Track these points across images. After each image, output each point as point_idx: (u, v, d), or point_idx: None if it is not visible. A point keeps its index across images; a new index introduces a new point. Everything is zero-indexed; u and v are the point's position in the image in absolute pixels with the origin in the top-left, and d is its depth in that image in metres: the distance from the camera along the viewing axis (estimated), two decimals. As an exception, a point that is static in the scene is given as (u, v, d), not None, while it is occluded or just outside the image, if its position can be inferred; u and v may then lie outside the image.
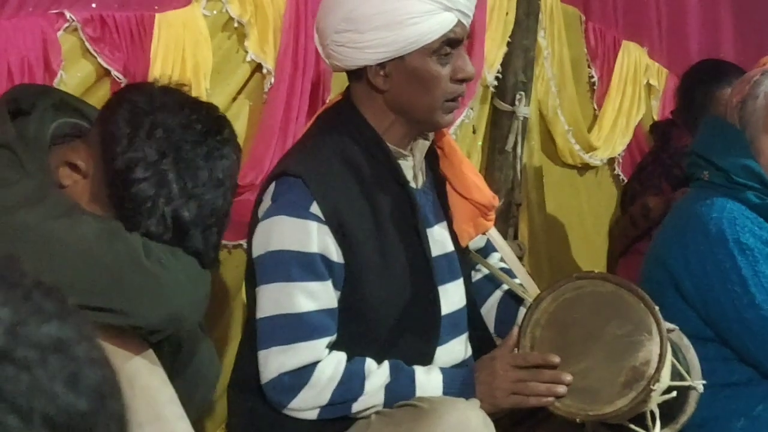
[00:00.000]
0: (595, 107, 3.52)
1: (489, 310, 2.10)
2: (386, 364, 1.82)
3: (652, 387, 1.76)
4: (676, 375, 1.86)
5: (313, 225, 1.77)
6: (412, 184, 1.91)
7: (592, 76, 3.47)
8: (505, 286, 2.10)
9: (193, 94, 1.89)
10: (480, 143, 3.01)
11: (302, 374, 1.77)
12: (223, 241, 2.21)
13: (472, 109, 2.89)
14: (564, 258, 3.43)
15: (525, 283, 2.09)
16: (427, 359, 1.87)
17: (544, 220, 3.35)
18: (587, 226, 3.55)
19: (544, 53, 3.15)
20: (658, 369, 1.77)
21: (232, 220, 2.17)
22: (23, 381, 0.60)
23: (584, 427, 1.85)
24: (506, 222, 2.98)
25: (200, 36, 2.06)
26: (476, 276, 2.13)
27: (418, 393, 1.79)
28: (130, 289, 1.41)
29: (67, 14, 1.83)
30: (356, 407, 1.79)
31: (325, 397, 1.78)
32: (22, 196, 1.41)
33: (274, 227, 1.78)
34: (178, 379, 1.55)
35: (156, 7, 1.99)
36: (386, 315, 1.84)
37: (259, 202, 1.85)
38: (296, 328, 1.76)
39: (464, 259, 2.01)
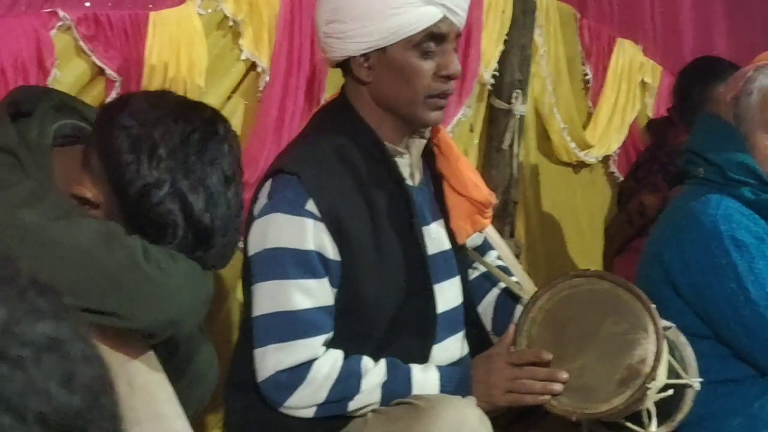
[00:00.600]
0: (590, 105, 3.52)
1: (486, 307, 2.10)
2: (383, 362, 1.81)
3: (648, 385, 1.76)
4: (672, 373, 1.86)
5: (309, 222, 1.76)
6: (409, 182, 1.91)
7: (587, 74, 3.47)
8: (502, 284, 2.10)
9: (188, 93, 1.90)
10: (477, 141, 3.01)
11: (299, 372, 1.77)
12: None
13: (469, 107, 2.89)
14: (560, 256, 3.43)
15: (522, 281, 2.09)
16: (423, 357, 1.87)
17: (540, 218, 3.35)
18: (582, 224, 3.55)
19: (540, 51, 3.15)
20: (655, 367, 1.77)
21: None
22: (17, 380, 0.60)
23: (580, 425, 1.85)
24: (503, 220, 2.98)
25: (195, 34, 2.05)
26: (473, 274, 2.13)
27: (415, 391, 1.79)
28: (127, 293, 1.41)
29: (61, 13, 1.82)
30: (353, 405, 1.79)
31: (321, 395, 1.78)
32: (22, 196, 1.40)
33: (270, 225, 1.78)
34: (176, 380, 1.55)
35: (150, 6, 1.99)
36: (382, 313, 1.84)
37: (255, 199, 1.85)
38: (292, 325, 1.76)
39: (461, 257, 2.01)
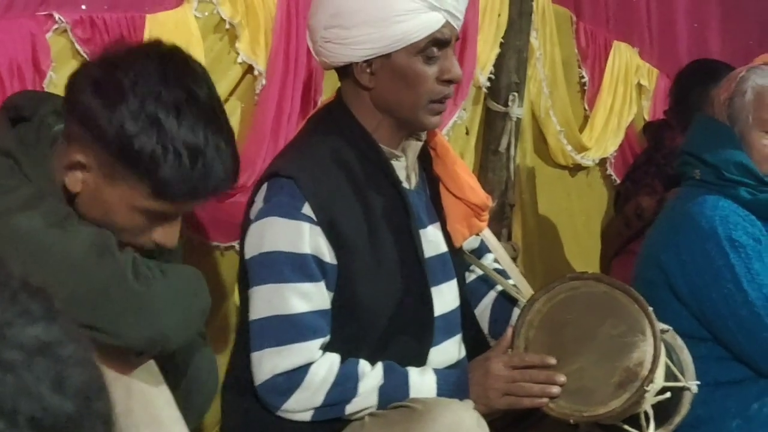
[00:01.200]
0: (586, 108, 3.52)
1: (483, 310, 2.10)
2: (380, 365, 1.81)
3: (645, 388, 1.76)
4: (670, 376, 1.85)
5: (305, 226, 1.76)
6: (405, 185, 1.90)
7: (583, 77, 3.48)
8: (499, 287, 2.10)
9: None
10: (473, 144, 3.01)
11: (295, 376, 1.76)
12: (215, 243, 2.22)
13: (464, 110, 2.89)
14: (557, 258, 3.43)
15: (519, 283, 2.09)
16: (420, 360, 1.87)
17: (537, 221, 3.35)
18: (579, 226, 3.55)
19: (537, 54, 3.15)
20: (652, 370, 1.77)
21: (224, 222, 2.18)
22: (8, 383, 0.60)
23: (578, 428, 1.84)
24: (500, 223, 2.98)
25: (191, 37, 2.05)
26: (470, 277, 2.13)
27: (412, 394, 1.79)
28: (113, 309, 1.40)
29: (56, 16, 1.82)
30: (350, 409, 1.79)
31: (318, 399, 1.77)
32: (18, 202, 1.40)
33: (266, 228, 1.78)
34: (174, 386, 1.54)
35: (146, 9, 1.98)
36: (379, 316, 1.84)
37: (251, 203, 1.85)
38: (289, 329, 1.76)
39: (458, 260, 2.00)
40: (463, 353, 1.99)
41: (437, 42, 1.80)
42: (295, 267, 1.75)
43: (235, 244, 2.19)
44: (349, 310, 1.81)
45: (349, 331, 1.82)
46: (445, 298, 1.93)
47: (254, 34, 2.19)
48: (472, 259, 2.11)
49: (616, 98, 3.56)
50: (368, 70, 1.82)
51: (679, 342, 1.96)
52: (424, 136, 1.95)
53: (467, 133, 2.97)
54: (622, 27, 3.63)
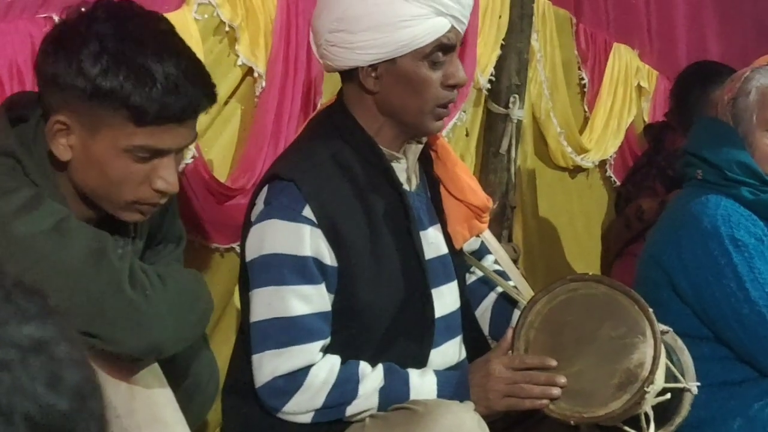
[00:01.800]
0: (586, 110, 3.53)
1: (483, 312, 2.10)
2: (380, 367, 1.81)
3: (646, 389, 1.76)
4: (670, 377, 1.85)
5: (306, 228, 1.76)
6: (406, 187, 1.90)
7: (583, 79, 3.48)
8: (500, 289, 2.10)
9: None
10: (474, 146, 3.01)
11: (296, 378, 1.76)
12: (215, 245, 2.22)
13: (464, 112, 2.89)
14: (558, 260, 3.43)
15: (519, 285, 2.09)
16: (421, 362, 1.87)
17: (537, 223, 3.35)
18: (579, 228, 3.55)
19: (537, 56, 3.15)
20: (652, 371, 1.76)
21: (224, 224, 2.18)
22: (4, 381, 0.60)
23: (578, 429, 1.84)
24: (501, 224, 2.99)
25: (191, 40, 2.04)
26: (470, 278, 2.13)
27: (413, 396, 1.78)
28: (109, 317, 1.41)
29: (56, 18, 1.81)
30: (350, 410, 1.78)
31: (319, 401, 1.77)
32: (16, 205, 1.40)
33: (266, 231, 1.77)
34: (173, 388, 1.55)
35: (146, 11, 1.98)
36: (380, 318, 1.83)
37: (251, 205, 1.85)
38: (290, 331, 1.76)
39: (458, 262, 2.00)
40: (464, 355, 1.99)
41: (443, 47, 1.80)
42: (296, 269, 1.75)
43: (235, 245, 2.19)
44: (350, 312, 1.81)
45: (350, 332, 1.82)
46: (445, 299, 1.93)
47: (254, 36, 2.19)
48: (472, 260, 2.11)
49: (615, 100, 3.57)
50: (373, 75, 1.81)
51: (679, 343, 1.95)
52: (424, 138, 1.94)
53: (467, 135, 2.97)
54: (621, 29, 3.64)
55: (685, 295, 2.20)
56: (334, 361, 1.80)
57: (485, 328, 2.09)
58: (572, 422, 1.78)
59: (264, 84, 2.22)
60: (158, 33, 1.47)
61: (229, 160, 2.25)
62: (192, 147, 2.03)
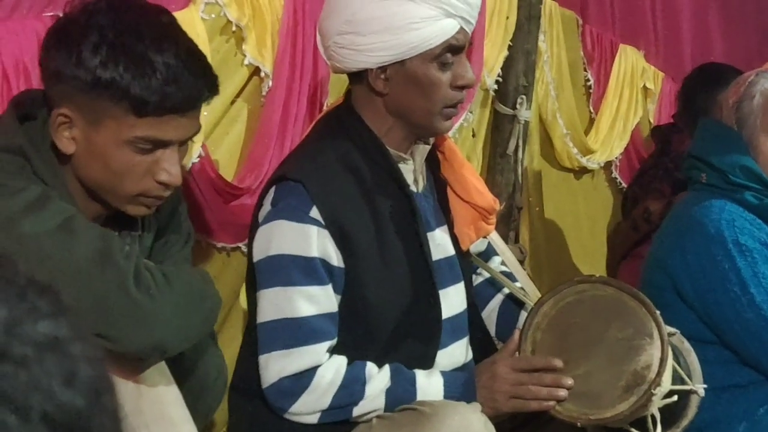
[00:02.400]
0: (591, 111, 3.52)
1: (490, 313, 2.10)
2: (387, 368, 1.81)
3: (653, 391, 1.75)
4: (677, 379, 1.85)
5: (313, 229, 1.76)
6: (413, 188, 1.90)
7: (588, 80, 3.48)
8: (506, 290, 2.10)
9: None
10: (480, 147, 3.01)
11: (303, 379, 1.76)
12: (222, 244, 2.22)
13: (471, 112, 2.89)
14: (564, 261, 3.43)
15: (526, 286, 2.09)
16: (427, 363, 1.86)
17: (543, 224, 3.35)
18: (584, 229, 3.55)
19: (544, 57, 3.14)
20: (659, 373, 1.76)
21: (230, 223, 2.18)
22: (21, 378, 0.61)
23: (585, 431, 1.84)
24: (508, 225, 2.98)
25: (198, 39, 2.03)
26: (477, 280, 2.12)
27: (419, 397, 1.78)
28: (113, 317, 1.41)
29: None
30: (357, 411, 1.78)
31: (325, 402, 1.77)
32: (24, 204, 1.40)
33: (274, 232, 1.77)
34: (180, 386, 1.55)
35: (153, 10, 1.98)
36: (387, 319, 1.83)
37: (259, 206, 1.85)
38: (297, 332, 1.76)
39: (465, 263, 2.00)
40: (470, 356, 1.99)
41: (452, 48, 1.80)
42: (303, 270, 1.75)
43: (242, 245, 2.19)
44: (357, 313, 1.81)
45: (357, 333, 1.81)
46: (452, 300, 1.92)
47: (261, 36, 2.19)
48: (479, 261, 2.11)
49: (621, 101, 3.56)
50: (382, 76, 1.81)
51: (686, 345, 1.95)
52: (431, 139, 1.94)
53: (474, 136, 2.97)
54: (627, 30, 3.64)
55: (689, 299, 2.19)
56: (341, 361, 1.79)
57: (492, 330, 2.09)
58: (579, 424, 1.78)
59: (271, 84, 2.22)
60: (158, 24, 1.47)
61: (235, 160, 2.25)
62: (199, 146, 2.03)
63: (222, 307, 2.18)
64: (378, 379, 1.79)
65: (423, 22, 1.75)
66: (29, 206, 1.40)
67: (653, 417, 1.81)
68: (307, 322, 1.76)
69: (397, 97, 1.82)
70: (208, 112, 1.97)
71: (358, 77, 1.85)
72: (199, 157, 2.06)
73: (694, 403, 1.90)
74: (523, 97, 2.99)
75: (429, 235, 1.90)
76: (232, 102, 2.21)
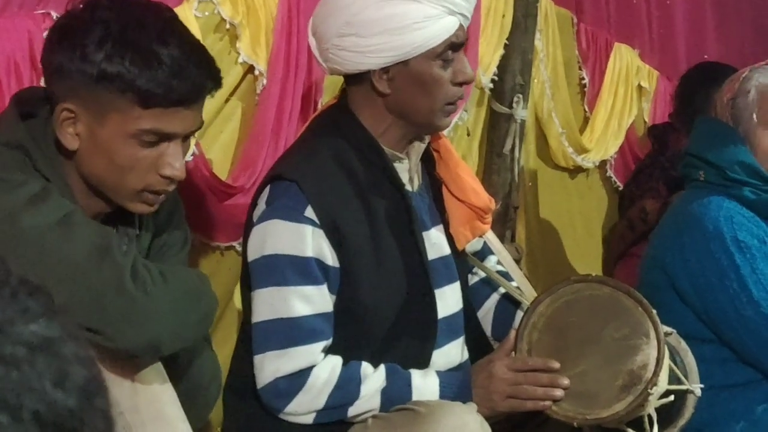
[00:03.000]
0: (586, 109, 3.52)
1: (486, 313, 2.10)
2: (382, 367, 1.80)
3: (649, 391, 1.75)
4: (673, 379, 1.85)
5: (308, 229, 1.75)
6: (408, 187, 1.89)
7: (583, 78, 3.47)
8: (502, 290, 2.09)
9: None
10: (476, 146, 3.00)
11: (298, 379, 1.76)
12: (215, 243, 2.21)
13: (466, 111, 2.88)
14: (561, 261, 3.43)
15: (522, 286, 2.08)
16: (423, 363, 1.86)
17: (539, 223, 3.34)
18: (579, 229, 3.55)
19: (540, 55, 3.14)
20: (656, 373, 1.76)
21: (224, 222, 2.17)
22: (12, 378, 0.61)
23: (581, 431, 1.83)
24: (504, 225, 2.98)
25: (191, 37, 2.03)
26: (473, 279, 2.12)
27: (415, 397, 1.78)
28: (109, 313, 1.41)
29: (54, 14, 1.80)
30: (352, 411, 1.78)
31: (320, 402, 1.76)
32: (23, 199, 1.41)
33: (268, 231, 1.77)
34: (177, 390, 1.54)
35: (147, 8, 1.97)
36: (382, 319, 1.83)
37: (254, 205, 1.84)
38: (291, 332, 1.75)
39: (461, 263, 2.00)
40: (466, 356, 1.98)
41: (453, 45, 1.80)
42: (298, 270, 1.75)
43: (236, 244, 2.18)
44: (352, 313, 1.80)
45: (352, 333, 1.81)
46: (448, 300, 1.92)
47: (255, 34, 2.18)
48: (475, 261, 2.10)
49: (616, 100, 3.56)
50: (385, 77, 1.81)
51: (683, 345, 1.95)
52: (427, 138, 1.94)
53: (468, 135, 2.96)
54: (622, 29, 3.63)
55: (688, 297, 2.19)
56: (336, 361, 1.79)
57: (488, 329, 2.08)
58: (575, 424, 1.78)
59: (265, 82, 2.21)
60: (161, 18, 1.48)
61: (229, 158, 2.24)
62: (192, 145, 2.01)
63: (219, 307, 2.18)
64: (373, 379, 1.78)
65: (425, 21, 1.75)
66: (29, 201, 1.41)
67: (650, 417, 1.81)
68: (303, 322, 1.75)
69: (400, 96, 1.82)
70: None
71: (357, 78, 1.84)
72: (192, 155, 2.05)
73: (690, 402, 1.90)
74: (520, 96, 2.98)
75: (424, 234, 1.89)
76: (226, 100, 2.20)
